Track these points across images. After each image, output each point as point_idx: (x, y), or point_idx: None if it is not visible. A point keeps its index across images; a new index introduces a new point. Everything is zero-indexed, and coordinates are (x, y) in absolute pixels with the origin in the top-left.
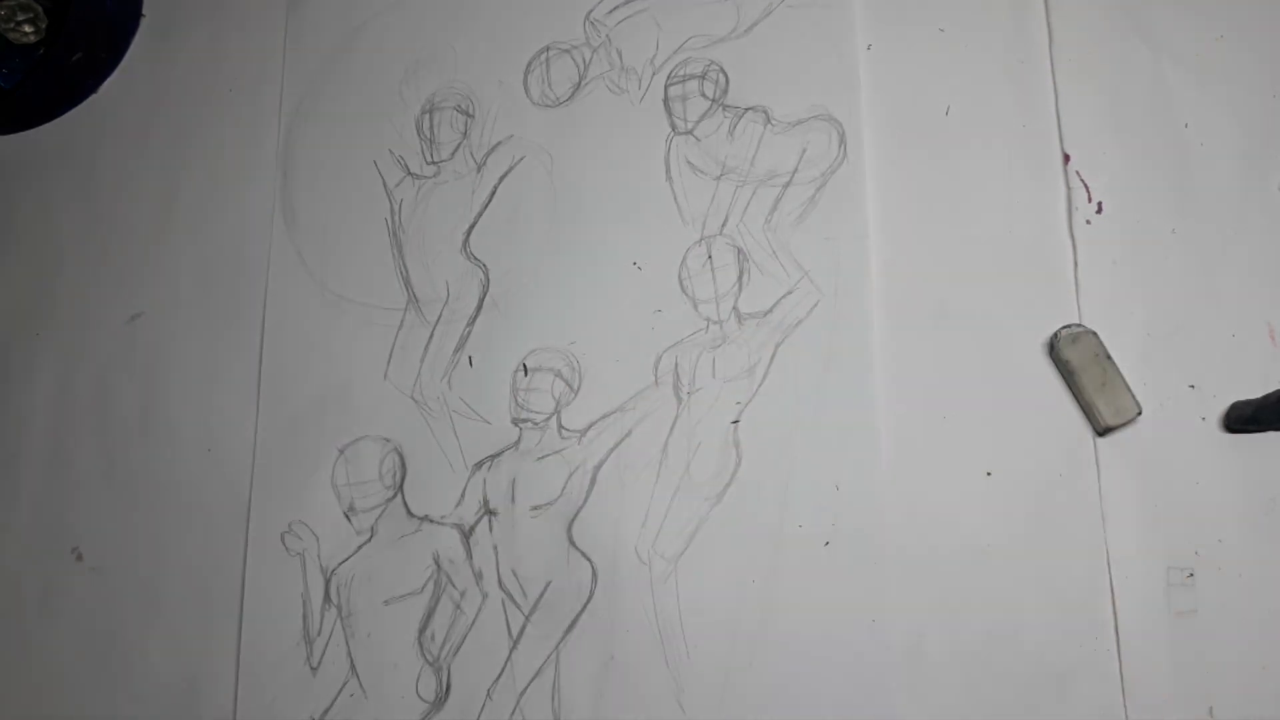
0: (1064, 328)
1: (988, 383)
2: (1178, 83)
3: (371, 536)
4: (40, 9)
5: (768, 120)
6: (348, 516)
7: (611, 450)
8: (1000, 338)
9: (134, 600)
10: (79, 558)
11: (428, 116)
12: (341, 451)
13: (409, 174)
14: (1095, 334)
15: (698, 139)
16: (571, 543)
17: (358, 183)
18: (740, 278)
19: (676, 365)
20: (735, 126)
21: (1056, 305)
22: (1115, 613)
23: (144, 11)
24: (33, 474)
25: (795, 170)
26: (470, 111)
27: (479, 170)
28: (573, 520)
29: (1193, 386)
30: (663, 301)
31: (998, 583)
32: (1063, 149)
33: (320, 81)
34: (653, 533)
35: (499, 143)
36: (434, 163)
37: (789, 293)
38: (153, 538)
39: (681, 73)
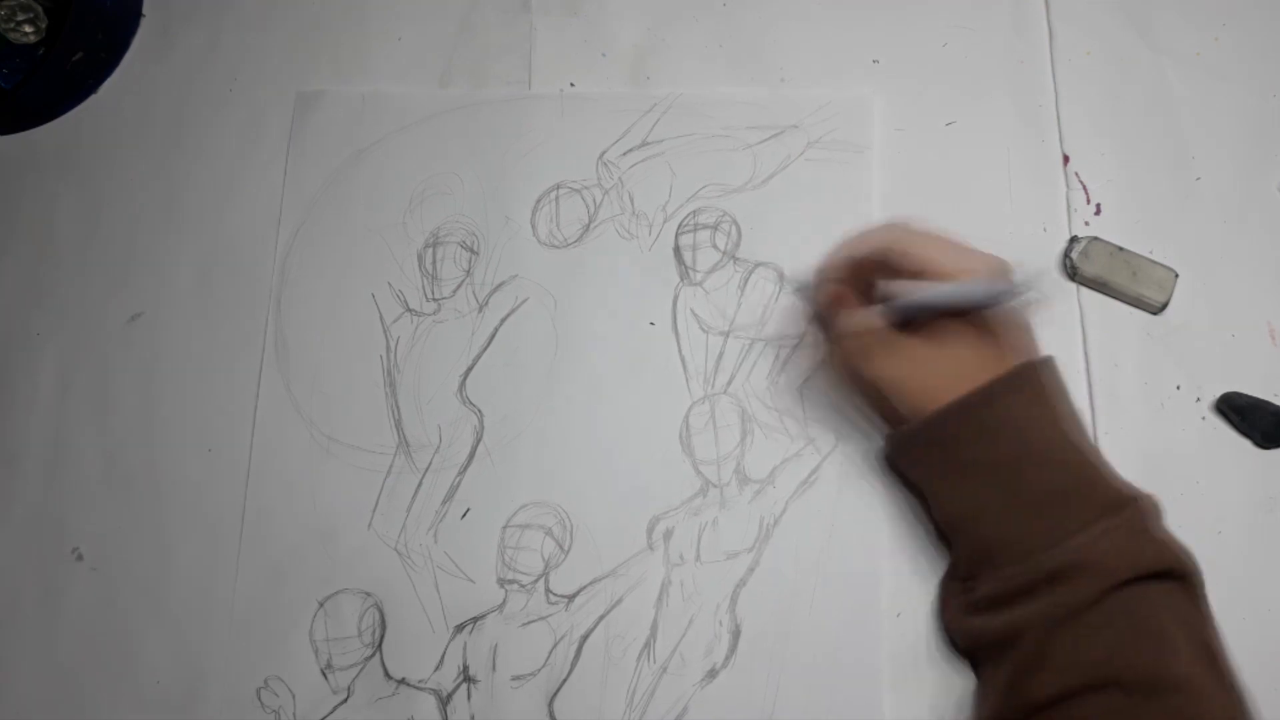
0: (1070, 247)
1: None
2: (1178, 83)
3: (348, 697)
4: (40, 9)
5: (780, 279)
6: (325, 674)
7: (600, 619)
8: None
9: (134, 600)
10: (79, 558)
11: (430, 250)
12: (321, 604)
13: (408, 310)
14: (1097, 237)
15: (706, 291)
16: (552, 718)
17: (354, 317)
18: (744, 440)
19: (673, 530)
20: (746, 281)
21: (1057, 306)
22: None
23: (144, 11)
24: (33, 474)
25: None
26: (475, 248)
27: (480, 310)
28: (555, 694)
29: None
30: (662, 460)
31: None
32: (1063, 149)
33: (320, 207)
34: (638, 713)
35: (503, 282)
36: (434, 299)
37: (795, 456)
38: (153, 538)
39: (693, 222)
